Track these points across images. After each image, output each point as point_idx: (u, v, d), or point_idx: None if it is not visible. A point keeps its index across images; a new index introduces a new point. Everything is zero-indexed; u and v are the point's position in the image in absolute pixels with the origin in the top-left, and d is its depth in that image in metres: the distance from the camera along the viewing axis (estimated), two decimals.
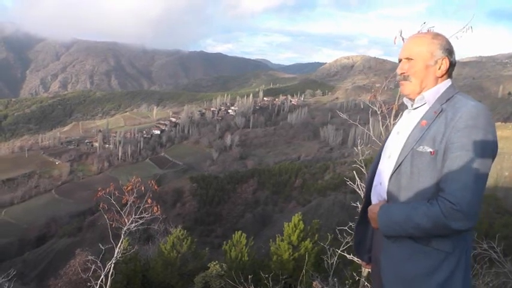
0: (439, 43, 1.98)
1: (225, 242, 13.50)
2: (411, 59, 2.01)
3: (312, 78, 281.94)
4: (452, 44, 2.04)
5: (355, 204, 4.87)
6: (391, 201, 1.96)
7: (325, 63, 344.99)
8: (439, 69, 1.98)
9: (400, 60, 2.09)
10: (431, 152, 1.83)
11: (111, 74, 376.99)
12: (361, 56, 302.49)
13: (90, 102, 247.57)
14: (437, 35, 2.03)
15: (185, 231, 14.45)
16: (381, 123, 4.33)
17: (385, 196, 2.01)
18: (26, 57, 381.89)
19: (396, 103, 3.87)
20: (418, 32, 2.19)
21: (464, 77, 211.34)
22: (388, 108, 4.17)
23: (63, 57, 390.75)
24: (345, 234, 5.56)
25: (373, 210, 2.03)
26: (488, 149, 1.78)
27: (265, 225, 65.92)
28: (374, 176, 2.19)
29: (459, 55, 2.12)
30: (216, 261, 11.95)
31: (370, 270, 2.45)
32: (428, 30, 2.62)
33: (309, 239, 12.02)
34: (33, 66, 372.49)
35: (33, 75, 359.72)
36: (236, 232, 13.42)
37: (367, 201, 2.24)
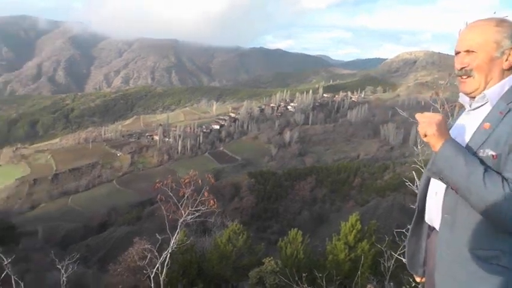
0: (506, 31, 1.67)
1: (280, 239, 13.48)
2: (472, 51, 1.71)
3: (373, 75, 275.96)
4: None
5: (414, 206, 4.65)
6: (448, 212, 1.71)
7: (386, 59, 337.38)
8: (506, 61, 1.68)
9: (457, 53, 1.82)
10: (493, 155, 1.57)
11: (172, 70, 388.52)
12: (424, 51, 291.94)
13: (151, 97, 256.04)
14: (502, 22, 1.71)
15: (241, 225, 14.59)
16: None
17: (440, 205, 1.77)
18: (91, 54, 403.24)
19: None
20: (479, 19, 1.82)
21: None
22: (451, 106, 3.96)
23: (126, 54, 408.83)
24: (403, 237, 5.36)
25: (438, 121, 1.64)
26: None
27: (322, 224, 65.33)
28: (428, 184, 1.97)
29: None
30: (271, 257, 11.95)
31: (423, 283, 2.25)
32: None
33: (366, 240, 11.74)
34: (97, 63, 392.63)
35: (98, 71, 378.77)
36: (292, 229, 13.37)
37: (420, 212, 2.04)
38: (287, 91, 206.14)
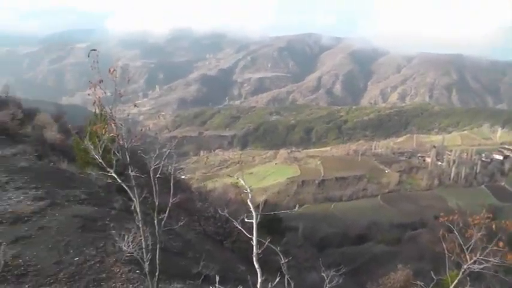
0: None
1: None
2: None
3: None
4: None
5: None
6: None
7: None
8: None
9: None
10: None
11: (452, 88, 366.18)
12: None
13: (427, 116, 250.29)
14: None
15: None
16: None
17: None
18: (369, 69, 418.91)
19: None
20: None
21: None
22: None
23: (404, 70, 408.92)
24: None
25: None
26: None
27: None
28: None
29: None
30: None
31: None
32: None
33: None
34: (374, 77, 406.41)
35: (374, 86, 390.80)
36: None
37: None
38: None
